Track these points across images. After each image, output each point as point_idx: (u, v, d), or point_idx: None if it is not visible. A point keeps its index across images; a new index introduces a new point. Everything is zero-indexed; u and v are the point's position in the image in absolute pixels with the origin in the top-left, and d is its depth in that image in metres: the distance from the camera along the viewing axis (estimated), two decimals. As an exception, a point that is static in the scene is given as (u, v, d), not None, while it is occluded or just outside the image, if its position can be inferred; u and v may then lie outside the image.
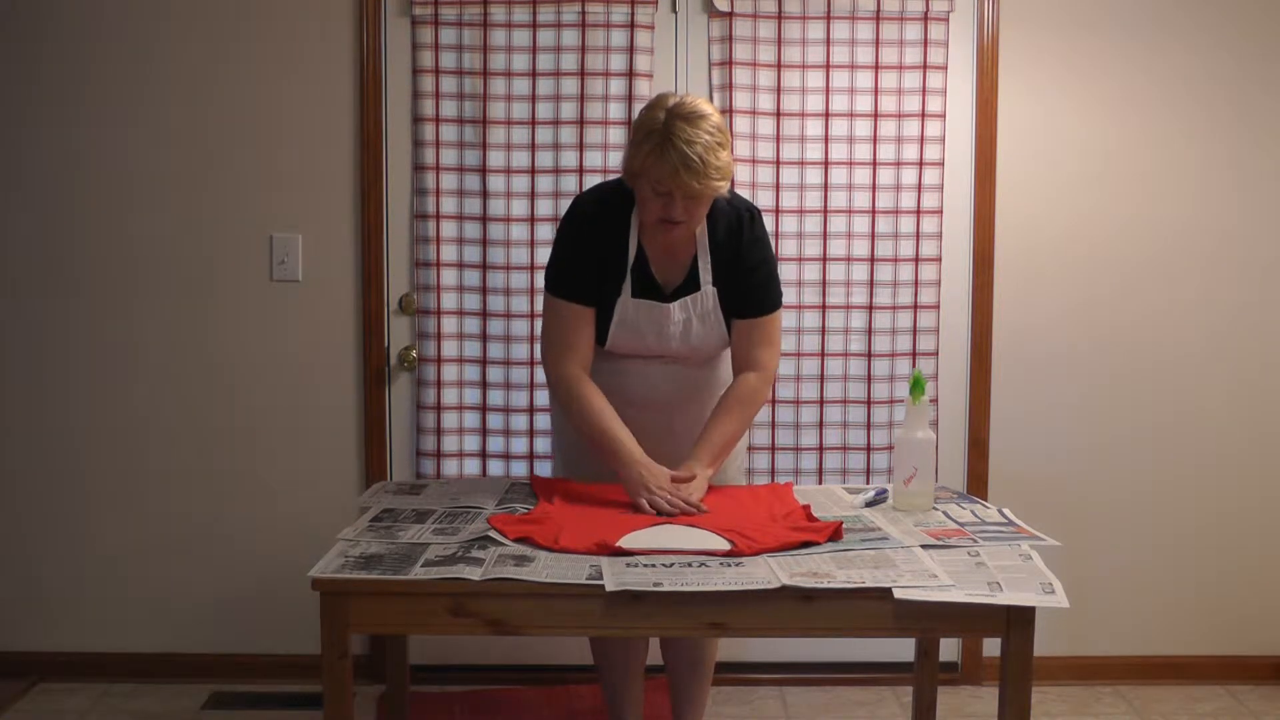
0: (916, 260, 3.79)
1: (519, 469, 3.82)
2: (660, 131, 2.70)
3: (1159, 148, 3.85)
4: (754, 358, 2.95)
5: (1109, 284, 3.88)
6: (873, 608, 2.32)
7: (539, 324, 3.19)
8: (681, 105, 2.74)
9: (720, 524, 2.60)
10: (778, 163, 3.75)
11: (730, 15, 3.70)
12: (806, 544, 2.52)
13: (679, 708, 3.23)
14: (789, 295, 3.75)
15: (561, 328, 2.91)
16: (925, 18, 3.72)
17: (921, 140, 3.75)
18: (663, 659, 3.25)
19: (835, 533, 2.56)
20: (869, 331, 3.81)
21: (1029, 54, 3.80)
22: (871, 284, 3.80)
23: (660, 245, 2.88)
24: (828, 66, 3.73)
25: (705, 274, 2.90)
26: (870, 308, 3.80)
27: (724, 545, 2.48)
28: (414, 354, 3.83)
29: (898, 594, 2.28)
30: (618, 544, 2.47)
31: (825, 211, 3.77)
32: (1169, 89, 3.83)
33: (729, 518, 2.65)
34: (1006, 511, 2.83)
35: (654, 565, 2.38)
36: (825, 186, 3.76)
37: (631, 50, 3.70)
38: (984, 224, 3.83)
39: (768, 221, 3.70)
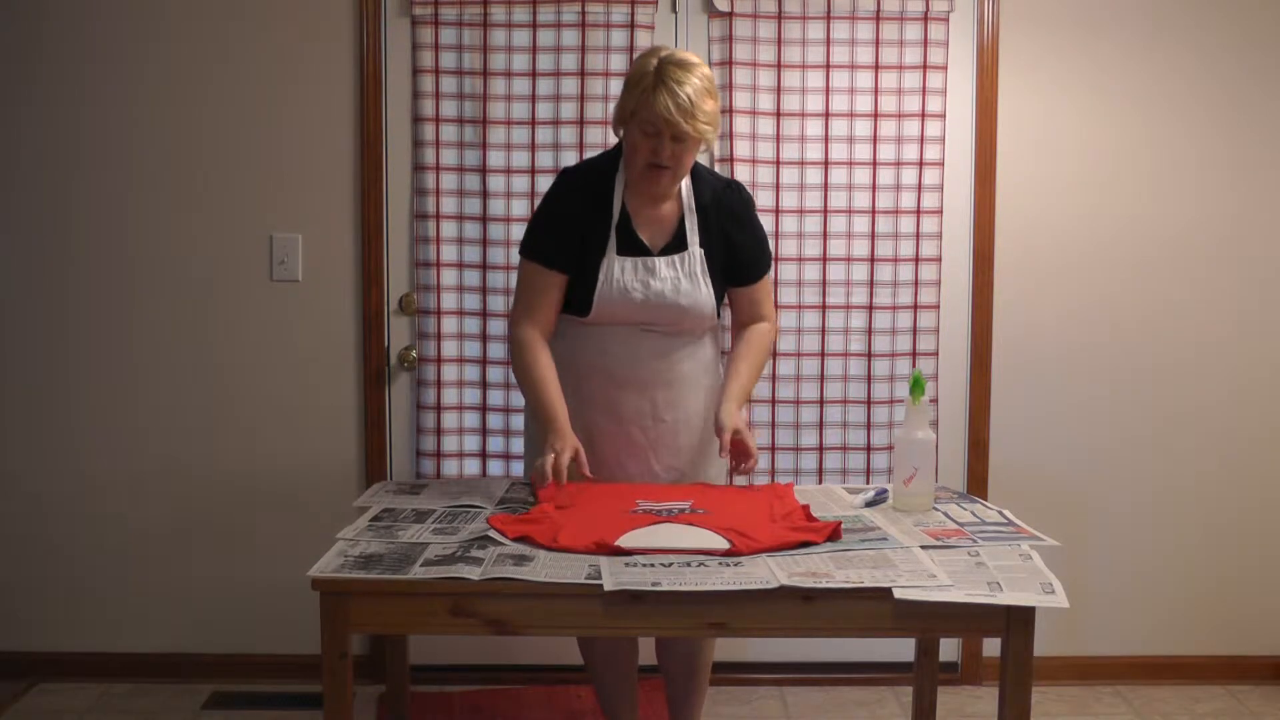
0: (916, 260, 3.79)
1: (519, 469, 3.81)
2: (653, 74, 2.78)
3: (1159, 147, 3.85)
4: (761, 314, 3.09)
5: (1109, 283, 3.88)
6: (872, 608, 2.32)
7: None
8: (674, 54, 2.84)
9: (719, 523, 2.60)
10: (778, 163, 3.75)
11: (730, 15, 3.71)
12: (805, 544, 2.52)
13: (675, 711, 3.23)
14: (789, 295, 3.78)
15: (527, 290, 2.97)
16: (925, 18, 3.72)
17: (921, 140, 3.75)
18: (657, 661, 3.25)
19: (834, 533, 2.56)
20: (869, 331, 3.81)
21: (1029, 54, 3.80)
22: (871, 284, 3.80)
23: (646, 196, 2.91)
24: (828, 66, 3.73)
25: (692, 235, 2.94)
26: (870, 308, 3.80)
27: (723, 544, 2.48)
28: (414, 354, 3.83)
29: (897, 594, 2.28)
30: (616, 543, 2.47)
31: (825, 211, 3.77)
32: (1169, 88, 3.83)
33: (728, 517, 2.65)
34: (1006, 512, 2.83)
35: (653, 565, 2.38)
36: (825, 186, 3.76)
37: (631, 50, 3.70)
38: (984, 224, 3.83)
39: (768, 222, 3.73)
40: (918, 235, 3.78)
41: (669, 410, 3.01)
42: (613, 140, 3.69)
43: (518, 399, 3.79)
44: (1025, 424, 3.91)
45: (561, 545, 2.47)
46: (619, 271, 2.91)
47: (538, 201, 3.68)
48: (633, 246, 2.92)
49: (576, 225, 2.92)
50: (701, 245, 2.94)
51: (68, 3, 3.74)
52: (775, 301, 3.73)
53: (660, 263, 2.92)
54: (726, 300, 3.08)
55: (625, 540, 2.49)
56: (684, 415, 3.04)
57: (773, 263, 3.10)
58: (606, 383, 2.97)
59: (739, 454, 2.89)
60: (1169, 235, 3.88)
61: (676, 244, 2.94)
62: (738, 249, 2.99)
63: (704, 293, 2.94)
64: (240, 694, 3.83)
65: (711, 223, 2.95)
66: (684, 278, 2.93)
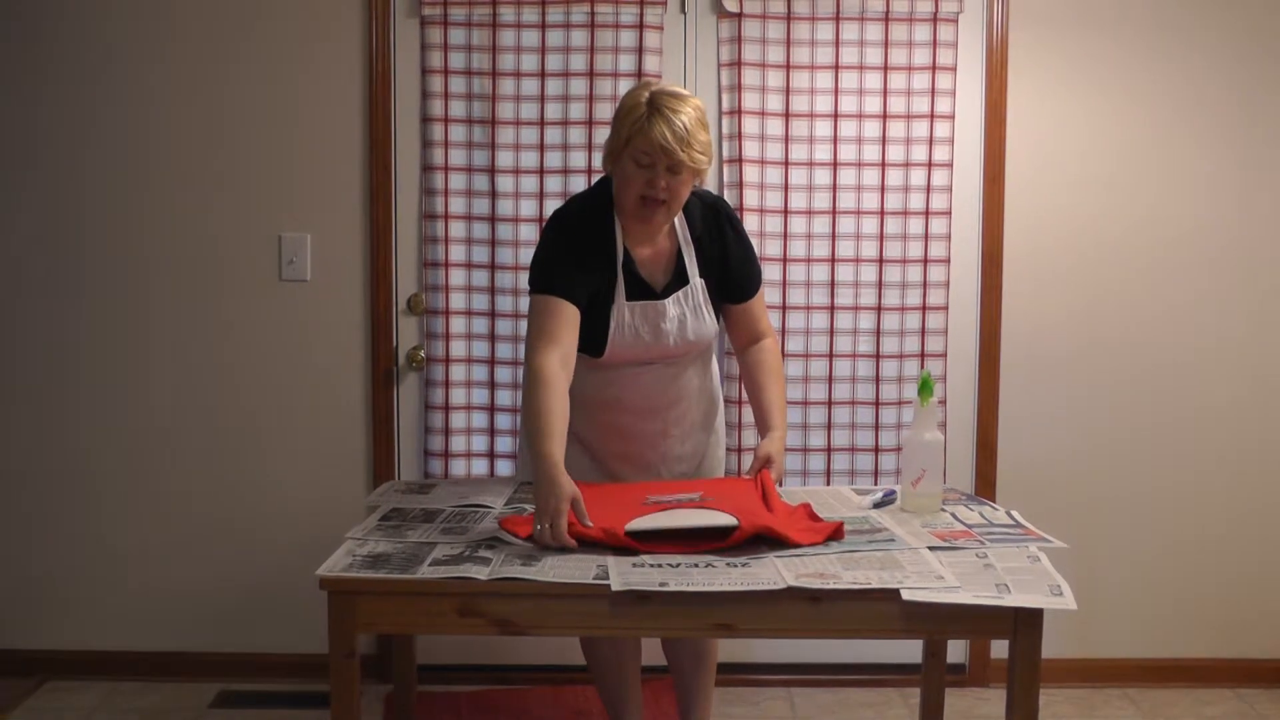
0: (925, 261, 3.79)
1: (527, 469, 3.82)
2: (647, 104, 2.76)
3: (1167, 149, 3.84)
4: (761, 329, 3.07)
5: (1118, 285, 3.88)
6: (880, 609, 2.32)
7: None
8: (664, 87, 2.83)
9: (727, 508, 2.60)
10: (786, 164, 3.74)
11: (739, 16, 3.70)
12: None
13: (685, 704, 3.24)
14: (797, 296, 3.77)
15: (549, 319, 2.78)
16: (934, 19, 3.71)
17: (930, 141, 3.75)
18: (664, 657, 3.25)
19: (836, 532, 2.56)
20: (877, 333, 3.81)
21: (1038, 55, 3.79)
22: (880, 285, 3.79)
23: (641, 233, 2.88)
24: (836, 68, 3.73)
25: (692, 267, 2.93)
26: (878, 309, 3.80)
27: (731, 521, 2.48)
28: (422, 354, 3.83)
29: (905, 595, 2.28)
30: (625, 528, 2.47)
31: (834, 213, 3.77)
32: (1177, 90, 3.82)
33: (735, 505, 2.65)
34: (1014, 513, 2.82)
35: (660, 565, 2.38)
36: (834, 187, 3.76)
37: (640, 51, 3.71)
38: (992, 225, 3.83)
39: (776, 222, 3.74)
40: (926, 236, 3.78)
41: (676, 425, 3.05)
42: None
43: (526, 399, 3.80)
44: (1033, 425, 3.90)
45: (573, 533, 2.47)
46: (629, 316, 2.89)
47: (547, 204, 3.73)
48: (639, 289, 2.91)
49: (586, 263, 2.86)
50: (701, 275, 2.93)
51: (78, 4, 3.75)
52: (784, 303, 3.75)
53: (668, 304, 2.90)
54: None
55: (634, 524, 2.49)
56: (688, 425, 3.08)
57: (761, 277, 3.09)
58: (621, 414, 2.99)
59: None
60: (1179, 236, 3.87)
61: (678, 279, 2.93)
62: (732, 269, 2.97)
63: (708, 322, 2.96)
64: (247, 693, 3.83)
65: (707, 250, 2.94)
66: (689, 312, 2.93)
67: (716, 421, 3.18)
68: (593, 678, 3.26)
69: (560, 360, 2.74)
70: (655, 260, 2.92)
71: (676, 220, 2.92)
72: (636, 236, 2.89)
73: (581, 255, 2.86)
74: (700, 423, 3.11)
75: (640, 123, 2.74)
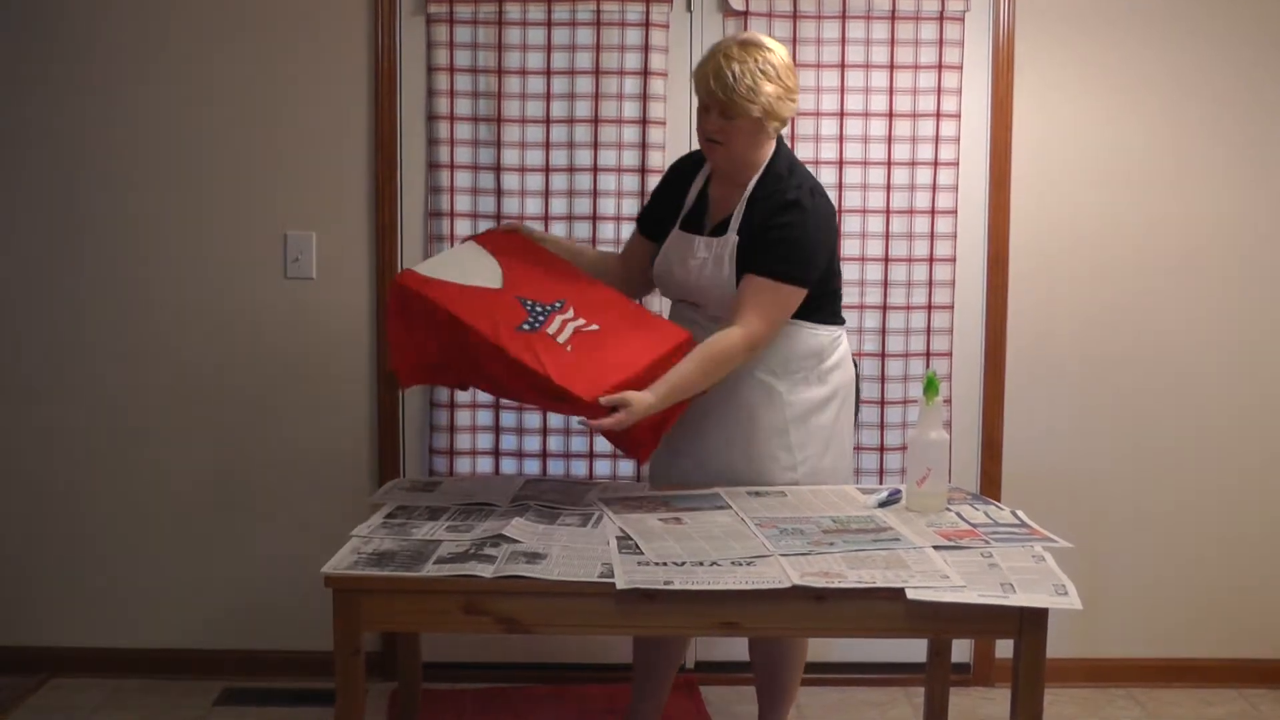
0: (931, 260, 3.78)
1: (532, 467, 3.82)
2: (715, 50, 2.89)
3: (1176, 146, 3.83)
4: (741, 316, 2.84)
5: (1125, 284, 3.87)
6: (885, 608, 2.32)
7: (553, 322, 3.21)
8: (749, 35, 2.96)
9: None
10: (792, 162, 3.74)
11: (745, 14, 3.70)
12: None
13: (761, 709, 3.27)
14: (802, 295, 3.77)
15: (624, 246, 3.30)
16: (941, 17, 3.71)
17: (936, 140, 3.75)
18: (749, 657, 3.29)
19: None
20: (883, 332, 3.80)
21: (1044, 51, 3.78)
22: (886, 284, 3.79)
23: (723, 178, 3.01)
24: (842, 66, 3.73)
25: (736, 220, 2.96)
26: (884, 308, 3.80)
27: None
28: (427, 352, 3.83)
29: (910, 594, 2.29)
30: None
31: (839, 212, 3.75)
32: (1187, 85, 3.81)
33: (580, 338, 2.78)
34: (1020, 513, 2.82)
35: (665, 564, 2.39)
36: (840, 187, 3.75)
37: (646, 49, 3.70)
38: (999, 224, 3.82)
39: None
40: (932, 235, 3.78)
41: (701, 407, 2.95)
42: (627, 138, 3.72)
43: (531, 397, 3.80)
44: (1039, 424, 3.89)
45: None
46: (670, 245, 3.03)
47: (552, 203, 3.75)
48: (693, 226, 3.02)
49: (663, 200, 3.11)
50: (739, 233, 2.94)
51: (76, 2, 3.75)
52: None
53: (699, 242, 2.98)
54: None
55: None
56: (716, 402, 2.96)
57: (786, 282, 2.87)
58: None
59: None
60: (1186, 234, 3.86)
61: (724, 227, 2.97)
62: (756, 235, 2.91)
63: (725, 278, 2.94)
64: (252, 690, 3.83)
65: (755, 212, 2.94)
66: (712, 260, 2.95)
67: (787, 439, 3.01)
68: (600, 676, 3.27)
69: (611, 258, 3.26)
70: (726, 208, 3.00)
71: (755, 178, 2.96)
72: (720, 181, 3.02)
73: (668, 190, 3.12)
74: (735, 412, 2.96)
75: (701, 64, 2.88)
